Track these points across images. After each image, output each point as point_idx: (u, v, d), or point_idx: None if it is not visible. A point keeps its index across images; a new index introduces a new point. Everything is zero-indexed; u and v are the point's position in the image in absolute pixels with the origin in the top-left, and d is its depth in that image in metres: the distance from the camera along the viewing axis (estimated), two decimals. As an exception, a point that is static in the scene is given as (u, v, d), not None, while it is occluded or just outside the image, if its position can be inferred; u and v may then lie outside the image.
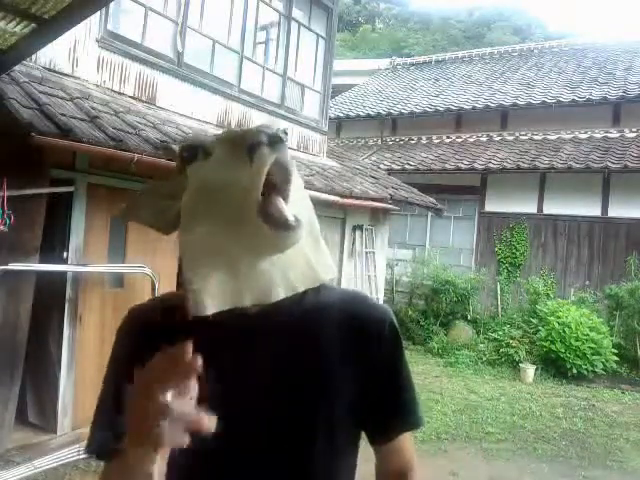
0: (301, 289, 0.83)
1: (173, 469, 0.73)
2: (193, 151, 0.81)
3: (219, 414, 0.70)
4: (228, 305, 0.78)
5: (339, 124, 13.35)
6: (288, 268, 0.81)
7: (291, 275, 0.81)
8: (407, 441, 0.98)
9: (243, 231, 0.76)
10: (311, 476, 0.89)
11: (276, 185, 0.75)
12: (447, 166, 10.16)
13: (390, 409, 0.94)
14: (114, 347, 0.95)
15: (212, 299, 0.76)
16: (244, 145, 0.75)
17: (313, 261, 0.85)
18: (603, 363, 7.20)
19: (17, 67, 3.79)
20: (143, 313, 0.95)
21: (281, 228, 0.73)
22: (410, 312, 9.14)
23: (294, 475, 0.88)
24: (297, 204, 0.79)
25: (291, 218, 0.74)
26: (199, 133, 0.89)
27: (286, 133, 0.78)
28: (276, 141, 0.74)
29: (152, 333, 0.85)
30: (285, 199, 0.76)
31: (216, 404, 0.72)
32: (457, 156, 10.58)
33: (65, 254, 4.05)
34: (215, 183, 0.77)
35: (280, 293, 0.80)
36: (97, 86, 4.74)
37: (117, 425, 0.72)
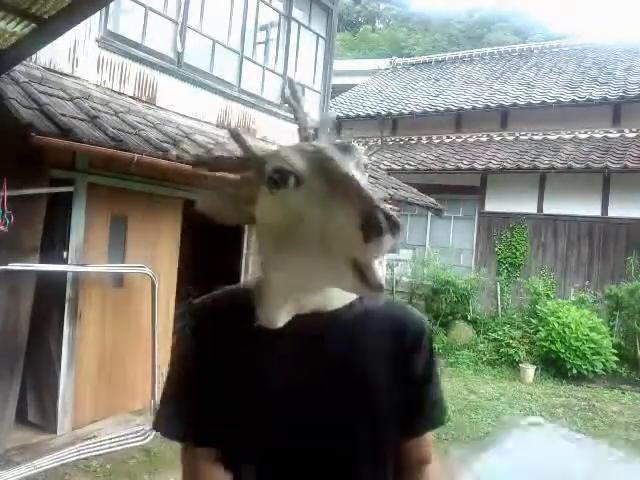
0: (352, 299, 0.94)
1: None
2: (284, 176, 0.81)
3: (271, 410, 0.91)
4: (292, 315, 0.90)
5: (339, 124, 13.35)
6: None
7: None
8: (428, 435, 1.08)
9: (330, 267, 0.77)
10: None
11: (380, 249, 0.70)
12: (447, 166, 10.16)
13: (421, 409, 1.03)
14: (183, 339, 1.01)
15: (284, 314, 0.89)
16: (351, 200, 0.72)
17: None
18: (603, 363, 7.19)
19: (17, 67, 3.79)
20: (209, 308, 1.01)
21: (374, 290, 0.74)
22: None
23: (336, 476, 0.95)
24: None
25: (382, 282, 0.74)
26: (279, 149, 0.87)
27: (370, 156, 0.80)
28: (397, 226, 0.70)
29: (218, 326, 0.96)
30: (381, 261, 0.77)
31: (269, 399, 0.91)
32: (457, 156, 10.57)
33: (65, 254, 4.05)
34: (309, 217, 0.77)
35: (336, 304, 0.92)
36: (97, 86, 4.74)
37: (186, 409, 0.95)
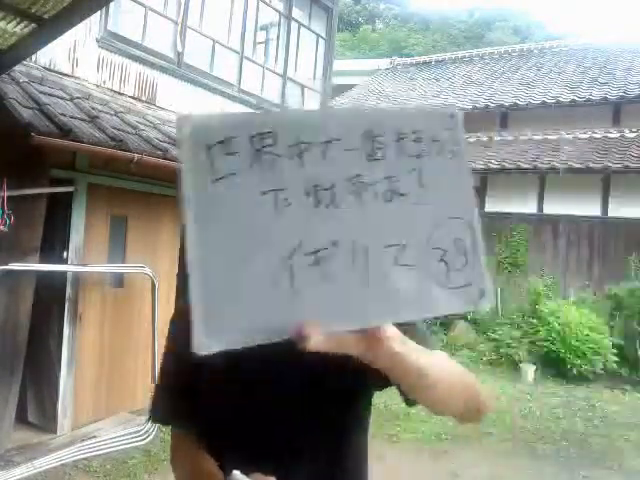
0: None
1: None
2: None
3: (253, 397, 0.94)
4: None
5: (339, 124, 13.33)
6: None
7: None
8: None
9: None
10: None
11: None
12: (447, 166, 10.15)
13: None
14: (173, 329, 1.04)
15: None
16: None
17: None
18: (603, 363, 7.19)
19: (17, 67, 3.79)
20: None
21: None
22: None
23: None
24: None
25: None
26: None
27: None
28: None
29: None
30: None
31: (246, 387, 0.94)
32: (457, 156, 10.56)
33: (65, 254, 4.04)
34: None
35: None
36: (97, 86, 4.74)
37: (180, 398, 0.99)
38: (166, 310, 4.86)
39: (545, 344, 7.35)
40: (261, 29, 6.70)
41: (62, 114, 3.56)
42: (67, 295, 4.09)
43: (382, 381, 0.97)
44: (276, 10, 6.79)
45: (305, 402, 0.96)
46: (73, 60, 4.58)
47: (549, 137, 10.64)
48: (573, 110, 10.43)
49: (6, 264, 3.55)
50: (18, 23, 2.90)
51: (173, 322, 1.07)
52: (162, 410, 1.06)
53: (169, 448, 1.09)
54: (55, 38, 3.20)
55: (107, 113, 4.19)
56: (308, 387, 0.95)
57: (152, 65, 5.21)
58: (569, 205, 9.40)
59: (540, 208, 9.77)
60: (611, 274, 8.85)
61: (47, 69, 4.36)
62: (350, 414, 0.99)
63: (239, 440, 0.99)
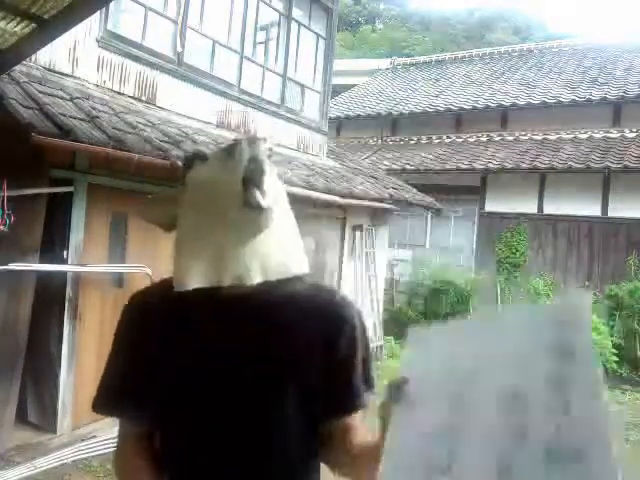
0: (275, 278, 0.98)
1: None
2: (191, 159, 1.00)
3: (189, 383, 0.99)
4: (208, 283, 0.94)
5: (339, 124, 13.34)
6: (265, 258, 0.96)
7: (267, 264, 0.96)
8: (353, 424, 1.06)
9: (227, 217, 0.93)
10: (269, 460, 1.00)
11: (253, 180, 0.91)
12: (447, 166, 10.16)
13: (337, 392, 1.03)
14: (119, 324, 1.12)
15: (194, 276, 0.94)
16: (227, 148, 0.95)
17: (288, 255, 1.01)
18: (603, 363, 7.19)
19: (17, 67, 3.79)
20: (142, 295, 1.14)
21: (256, 209, 0.90)
22: (410, 312, 9.13)
23: (251, 457, 0.99)
24: (273, 200, 0.94)
25: (264, 202, 0.90)
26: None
27: (265, 140, 0.96)
28: (253, 141, 0.94)
29: (149, 311, 1.07)
30: (260, 190, 0.91)
31: (187, 374, 0.99)
32: (457, 156, 10.57)
33: (65, 254, 4.04)
34: (207, 181, 0.96)
35: (256, 278, 0.95)
36: (97, 86, 4.74)
37: (123, 387, 1.06)
38: (166, 310, 4.85)
39: (545, 344, 7.35)
40: (261, 29, 6.70)
41: (62, 114, 3.56)
42: (67, 295, 4.09)
43: (327, 408, 1.03)
44: (276, 10, 6.79)
45: (244, 400, 0.99)
46: (73, 60, 4.57)
47: (549, 137, 10.64)
48: (573, 110, 10.43)
49: (6, 264, 3.54)
50: (18, 23, 2.89)
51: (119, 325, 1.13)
52: (107, 399, 1.10)
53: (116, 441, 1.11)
54: (55, 38, 3.20)
55: (107, 113, 4.19)
56: (248, 385, 0.99)
57: (152, 65, 5.21)
58: (569, 205, 9.41)
59: (540, 208, 9.78)
60: (611, 274, 8.86)
61: (47, 69, 4.36)
62: (291, 419, 1.00)
63: (183, 436, 1.02)
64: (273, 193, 0.95)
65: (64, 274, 4.05)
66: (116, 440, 1.11)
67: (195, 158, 0.99)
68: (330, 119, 8.61)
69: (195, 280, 0.93)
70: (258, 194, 0.90)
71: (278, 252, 0.99)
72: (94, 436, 4.08)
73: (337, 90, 13.35)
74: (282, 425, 1.00)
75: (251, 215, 0.91)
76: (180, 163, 1.05)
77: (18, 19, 2.84)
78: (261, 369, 0.98)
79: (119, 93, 4.92)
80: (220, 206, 0.93)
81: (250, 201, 0.90)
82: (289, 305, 1.02)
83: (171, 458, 1.04)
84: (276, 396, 0.99)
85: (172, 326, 1.02)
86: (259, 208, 0.90)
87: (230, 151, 0.94)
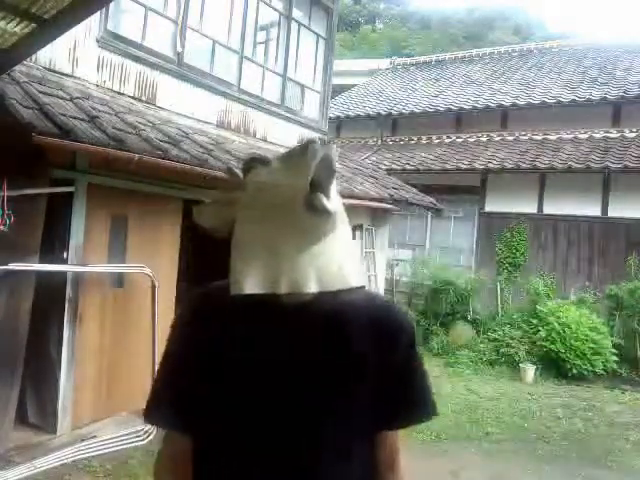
0: (332, 289, 0.94)
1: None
2: (251, 162, 0.97)
3: (243, 393, 0.95)
4: (265, 289, 0.90)
5: (339, 124, 13.34)
6: (323, 268, 0.93)
7: (325, 275, 0.93)
8: (394, 439, 1.07)
9: (289, 221, 0.89)
10: (321, 465, 0.97)
11: (321, 183, 0.87)
12: (447, 166, 10.15)
13: (392, 404, 1.02)
14: (175, 331, 1.07)
15: (251, 281, 0.90)
16: (297, 149, 0.91)
17: (346, 267, 0.97)
18: (603, 363, 7.19)
19: (17, 67, 3.79)
20: (199, 298, 1.09)
21: (321, 213, 0.86)
22: (410, 312, 9.13)
23: (304, 464, 0.96)
24: (337, 205, 0.92)
25: (330, 206, 0.87)
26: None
27: (334, 143, 0.90)
28: (326, 142, 0.90)
29: (205, 314, 1.02)
30: (327, 195, 0.88)
31: (241, 383, 0.96)
32: (457, 156, 10.57)
33: (65, 254, 4.04)
34: (269, 183, 0.92)
35: (313, 288, 0.91)
36: (97, 86, 4.74)
37: (180, 398, 0.99)
38: (166, 310, 4.85)
39: (545, 344, 7.35)
40: (261, 29, 6.70)
41: (62, 114, 3.56)
42: (67, 295, 4.09)
43: (375, 418, 1.01)
44: (276, 10, 6.79)
45: (296, 411, 0.96)
46: (73, 60, 4.58)
47: (549, 137, 10.64)
48: (573, 110, 10.43)
49: (6, 264, 3.54)
50: (18, 23, 2.89)
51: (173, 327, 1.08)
52: (159, 411, 1.04)
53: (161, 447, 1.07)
54: (55, 38, 3.20)
55: (107, 113, 4.19)
56: (302, 396, 0.96)
57: (152, 65, 5.21)
58: (569, 205, 9.40)
59: (540, 208, 9.77)
60: (611, 274, 8.85)
61: (47, 69, 4.36)
62: (341, 430, 0.98)
63: (231, 446, 0.98)
64: (337, 199, 0.93)
65: (64, 274, 4.05)
66: (160, 449, 1.06)
67: (255, 161, 0.96)
68: (330, 119, 8.61)
69: (251, 285, 0.90)
70: (324, 198, 0.87)
71: (336, 262, 0.95)
72: (94, 436, 4.08)
73: (337, 90, 13.35)
74: (346, 438, 0.98)
75: (315, 220, 0.87)
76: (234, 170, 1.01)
77: (18, 19, 2.84)
78: (325, 381, 0.96)
79: (119, 93, 4.93)
80: (281, 210, 0.90)
81: (315, 204, 0.86)
82: (349, 315, 0.99)
83: (222, 471, 1.00)
84: (341, 407, 0.97)
85: (232, 336, 0.98)
86: (326, 212, 0.87)
87: (302, 150, 0.89)
